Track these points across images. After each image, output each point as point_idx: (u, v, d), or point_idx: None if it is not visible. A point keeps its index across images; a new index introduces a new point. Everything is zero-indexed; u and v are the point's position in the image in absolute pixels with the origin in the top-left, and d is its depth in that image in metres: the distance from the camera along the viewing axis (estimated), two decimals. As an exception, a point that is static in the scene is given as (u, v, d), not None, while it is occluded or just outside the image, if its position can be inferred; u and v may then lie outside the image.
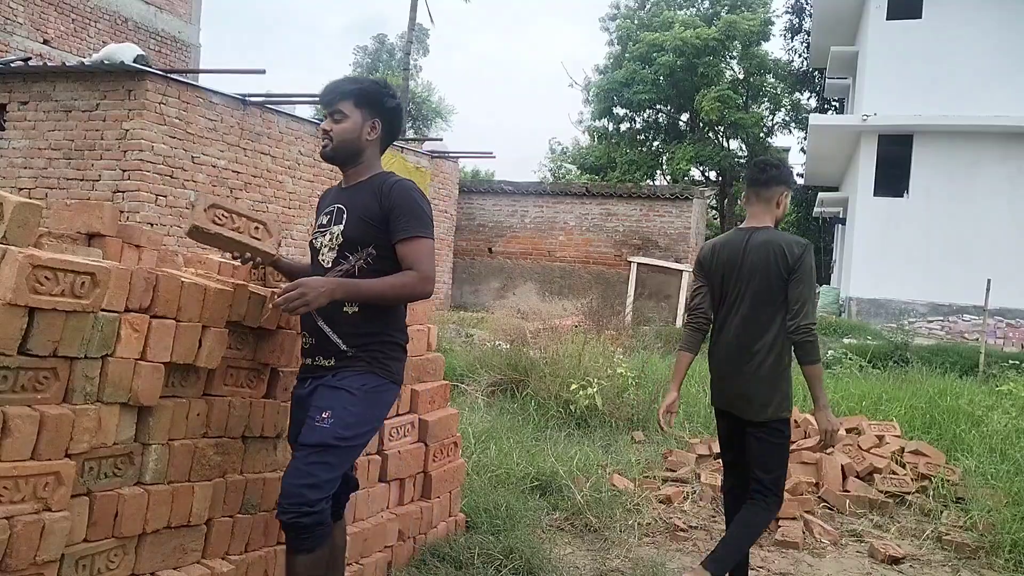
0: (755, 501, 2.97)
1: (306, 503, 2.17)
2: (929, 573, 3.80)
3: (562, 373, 6.28)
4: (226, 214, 2.39)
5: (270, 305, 2.37)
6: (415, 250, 2.33)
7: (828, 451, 3.94)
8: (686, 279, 15.03)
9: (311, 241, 2.47)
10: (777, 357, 2.96)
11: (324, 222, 2.43)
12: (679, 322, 14.44)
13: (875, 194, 15.24)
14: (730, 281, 3.05)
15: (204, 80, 10.10)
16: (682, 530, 4.03)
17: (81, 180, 8.97)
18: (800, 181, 24.52)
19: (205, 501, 2.29)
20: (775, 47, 38.72)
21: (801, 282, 2.90)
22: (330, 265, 2.35)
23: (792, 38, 24.81)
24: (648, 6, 25.70)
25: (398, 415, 3.20)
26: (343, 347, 2.30)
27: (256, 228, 2.44)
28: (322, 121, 2.53)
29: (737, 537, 2.99)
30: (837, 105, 23.51)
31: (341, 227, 2.36)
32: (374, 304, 2.32)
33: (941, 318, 14.41)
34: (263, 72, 10.40)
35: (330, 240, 2.37)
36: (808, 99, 24.96)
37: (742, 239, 3.06)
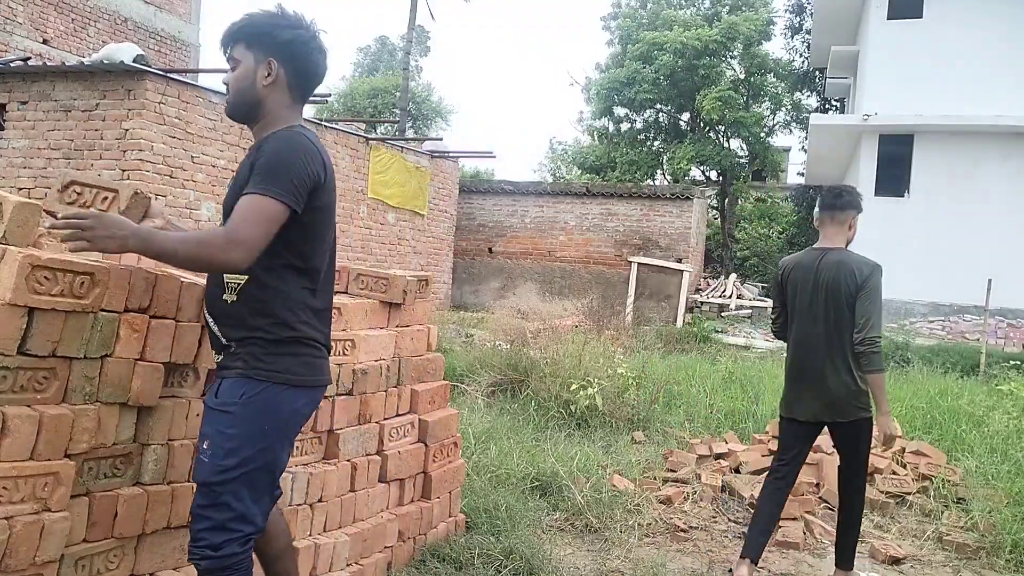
0: (855, 488, 3.40)
1: (209, 547, 1.92)
2: (930, 573, 3.80)
3: (562, 373, 6.27)
4: (79, 189, 2.21)
5: (45, 225, 1.94)
6: (239, 207, 1.90)
7: (884, 451, 4.21)
8: (686, 279, 15.02)
9: None
10: (855, 366, 3.27)
11: None
12: (679, 322, 14.44)
13: (876, 194, 15.22)
14: (805, 299, 3.34)
15: (204, 80, 10.10)
16: (682, 530, 4.02)
17: (81, 180, 8.97)
18: (800, 181, 24.55)
19: (205, 501, 2.28)
20: (776, 47, 38.74)
21: (868, 298, 3.20)
22: None
23: (792, 38, 24.80)
24: (649, 6, 25.69)
25: (398, 415, 3.20)
26: (223, 340, 2.02)
27: (104, 199, 2.20)
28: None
29: (854, 525, 3.44)
30: (838, 105, 23.50)
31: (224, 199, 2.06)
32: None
33: (942, 318, 14.40)
34: (263, 72, 10.36)
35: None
36: (809, 99, 24.94)
37: (815, 259, 3.37)
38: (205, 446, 1.96)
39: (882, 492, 4.77)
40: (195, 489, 2.00)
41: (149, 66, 9.10)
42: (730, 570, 3.50)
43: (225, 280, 2.02)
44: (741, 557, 3.35)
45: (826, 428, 3.44)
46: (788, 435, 3.48)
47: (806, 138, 21.03)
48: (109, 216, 1.80)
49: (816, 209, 3.49)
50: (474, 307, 15.23)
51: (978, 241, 14.11)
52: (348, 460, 2.89)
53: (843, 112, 21.81)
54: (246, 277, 1.99)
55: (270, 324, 1.99)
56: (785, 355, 3.54)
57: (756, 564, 3.36)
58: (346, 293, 3.18)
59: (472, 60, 64.33)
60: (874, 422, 3.36)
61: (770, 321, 3.72)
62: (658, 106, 24.46)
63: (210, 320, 2.06)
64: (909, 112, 14.67)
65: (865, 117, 15.20)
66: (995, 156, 14.55)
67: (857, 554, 3.96)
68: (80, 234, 1.74)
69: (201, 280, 2.24)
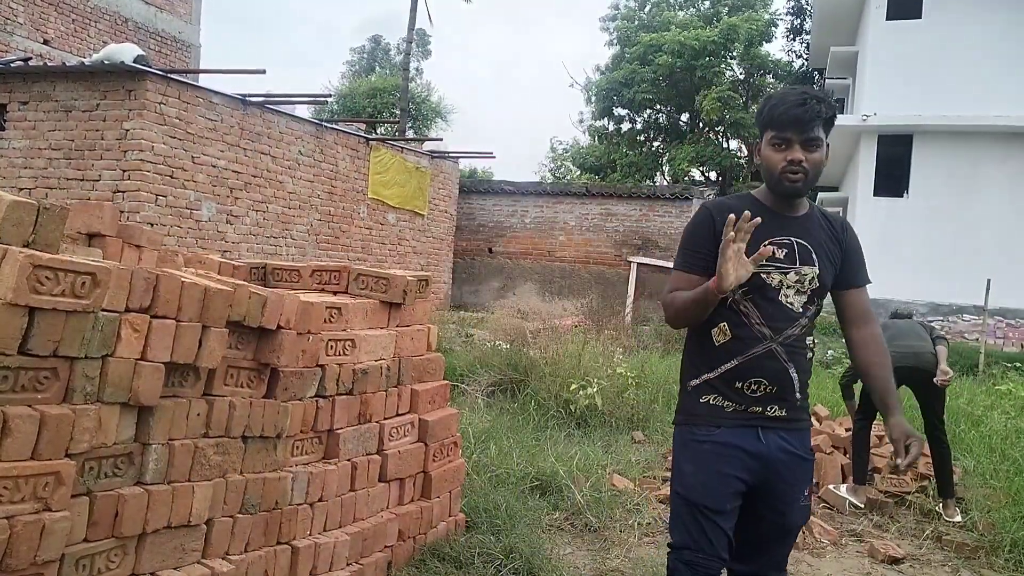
0: (940, 437, 4.65)
1: None
2: (929, 573, 3.80)
3: (562, 373, 6.28)
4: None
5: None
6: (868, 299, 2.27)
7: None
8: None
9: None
10: None
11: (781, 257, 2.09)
12: (679, 322, 14.43)
13: (875, 194, 15.24)
14: None
15: (204, 80, 10.10)
16: (682, 530, 4.02)
17: (81, 180, 8.97)
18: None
19: (205, 501, 2.29)
20: (775, 48, 38.77)
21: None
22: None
23: (792, 39, 24.82)
24: (648, 7, 25.70)
25: (398, 415, 3.21)
26: (799, 395, 2.13)
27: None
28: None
29: (947, 462, 4.61)
30: (837, 105, 23.50)
31: (815, 269, 2.09)
32: None
33: (941, 318, 14.40)
34: (263, 72, 10.38)
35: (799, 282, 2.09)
36: (808, 99, 24.93)
37: None
38: (807, 493, 2.16)
39: (881, 491, 4.78)
40: (794, 533, 2.22)
41: (150, 66, 9.11)
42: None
43: (808, 343, 2.17)
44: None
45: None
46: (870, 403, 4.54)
47: (806, 138, 20.98)
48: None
49: None
50: (474, 307, 15.23)
51: (977, 241, 14.12)
52: (348, 460, 2.89)
53: (842, 112, 21.80)
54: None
55: None
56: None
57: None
58: (346, 293, 3.19)
59: (472, 60, 64.32)
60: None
61: None
62: (657, 107, 24.46)
63: (795, 376, 2.11)
64: (908, 112, 14.67)
65: (864, 117, 15.21)
66: (994, 156, 14.55)
67: (856, 554, 3.97)
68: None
69: (203, 281, 2.25)
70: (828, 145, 2.09)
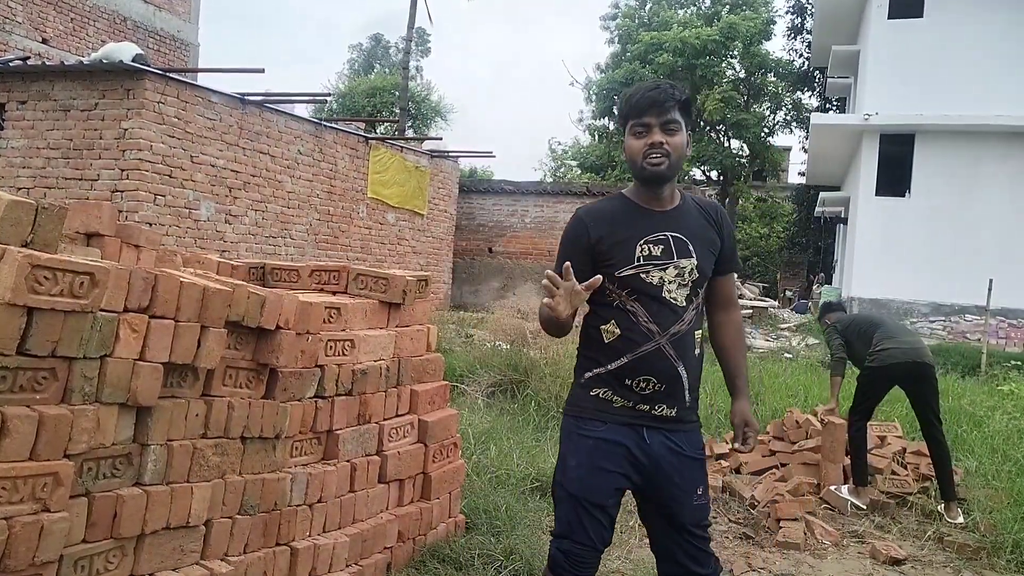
0: (939, 437, 4.64)
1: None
2: (931, 574, 3.79)
3: (562, 373, 6.26)
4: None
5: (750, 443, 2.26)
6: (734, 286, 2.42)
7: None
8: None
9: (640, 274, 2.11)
10: None
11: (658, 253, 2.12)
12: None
13: (877, 194, 15.22)
14: None
15: (203, 79, 10.09)
16: (683, 531, 4.01)
17: (80, 179, 8.96)
18: (801, 180, 24.50)
19: (204, 502, 2.28)
20: (776, 46, 38.74)
21: None
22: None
23: (793, 37, 24.80)
24: (648, 5, 25.69)
25: (398, 415, 3.19)
26: (689, 395, 2.17)
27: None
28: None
29: (947, 463, 4.58)
30: (838, 104, 23.50)
31: (693, 260, 2.13)
32: None
33: (943, 318, 14.39)
34: (262, 71, 10.36)
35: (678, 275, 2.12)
36: (809, 98, 24.95)
37: None
38: (700, 492, 2.16)
39: (883, 492, 4.77)
40: (697, 531, 2.16)
41: (148, 65, 9.09)
42: (730, 571, 3.51)
43: (696, 338, 2.17)
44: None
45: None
46: (882, 392, 4.90)
47: (807, 138, 21.03)
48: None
49: None
50: (474, 307, 15.22)
51: (979, 241, 14.11)
52: (348, 460, 2.88)
53: (844, 112, 21.80)
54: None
55: None
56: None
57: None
58: (345, 293, 3.18)
59: (472, 60, 64.28)
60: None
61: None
62: (658, 106, 24.43)
63: (685, 375, 2.13)
64: (910, 112, 14.66)
65: (866, 117, 15.19)
66: (996, 156, 14.54)
67: (858, 555, 3.96)
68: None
69: (202, 281, 2.23)
70: (689, 134, 2.16)
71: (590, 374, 2.17)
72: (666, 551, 2.18)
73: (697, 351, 2.17)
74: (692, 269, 2.11)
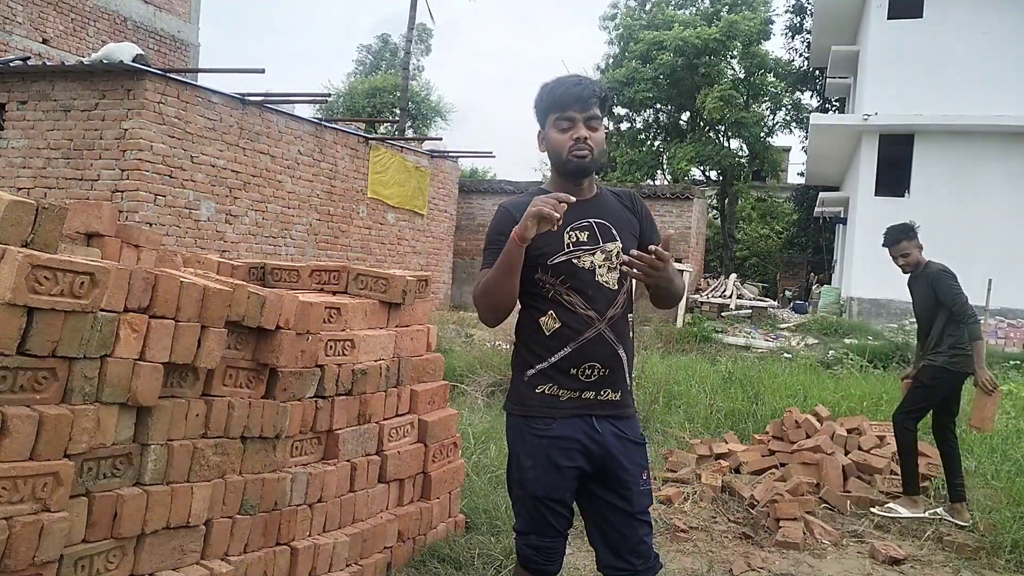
0: (951, 438, 4.49)
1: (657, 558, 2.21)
2: (930, 574, 3.79)
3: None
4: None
5: (623, 259, 2.07)
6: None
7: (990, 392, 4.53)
8: (686, 279, 15.01)
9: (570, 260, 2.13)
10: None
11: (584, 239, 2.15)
12: (679, 322, 14.44)
13: (876, 194, 15.23)
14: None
15: (203, 79, 10.09)
16: (682, 531, 4.02)
17: (80, 180, 8.96)
18: (800, 181, 24.50)
19: (204, 502, 2.28)
20: (776, 46, 38.75)
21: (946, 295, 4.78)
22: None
23: (793, 37, 24.80)
24: (648, 5, 25.68)
25: (398, 415, 3.20)
26: (629, 378, 2.20)
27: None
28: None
29: (957, 461, 4.45)
30: (838, 104, 23.51)
31: (618, 244, 2.17)
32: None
33: (942, 318, 14.38)
34: (262, 71, 10.39)
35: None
36: (809, 98, 24.95)
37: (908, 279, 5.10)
38: (645, 477, 2.18)
39: (882, 492, 4.77)
40: (642, 518, 2.17)
41: (148, 66, 9.09)
42: (730, 571, 3.51)
43: (629, 321, 2.21)
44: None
45: None
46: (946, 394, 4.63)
47: (806, 138, 21.02)
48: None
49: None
50: (474, 307, 15.21)
51: (978, 241, 14.11)
52: (348, 460, 2.89)
53: (843, 112, 21.82)
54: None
55: None
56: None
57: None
58: (345, 293, 3.18)
59: (472, 59, 64.30)
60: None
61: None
62: (658, 106, 24.44)
63: (624, 356, 2.17)
64: (909, 112, 14.67)
65: (865, 117, 15.20)
66: (995, 156, 14.55)
67: (857, 555, 3.96)
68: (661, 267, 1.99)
69: (202, 281, 2.24)
70: (607, 129, 2.20)
71: (533, 371, 2.16)
72: (608, 540, 2.17)
73: (631, 334, 2.22)
74: (618, 252, 2.15)
